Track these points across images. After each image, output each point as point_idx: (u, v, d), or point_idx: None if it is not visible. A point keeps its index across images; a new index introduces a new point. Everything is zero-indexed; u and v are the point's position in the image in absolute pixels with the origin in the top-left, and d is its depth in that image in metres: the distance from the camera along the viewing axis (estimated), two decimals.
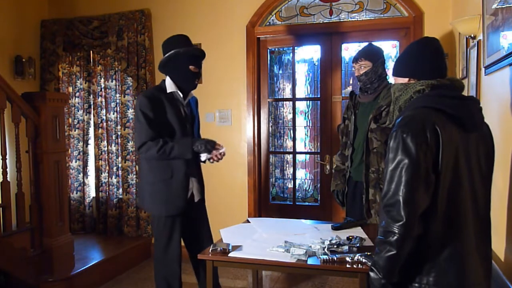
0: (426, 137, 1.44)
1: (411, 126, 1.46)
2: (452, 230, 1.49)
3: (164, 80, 2.76)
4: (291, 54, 4.24)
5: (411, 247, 1.46)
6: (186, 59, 2.66)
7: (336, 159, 3.13)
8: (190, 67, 2.67)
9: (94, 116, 4.65)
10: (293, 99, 4.25)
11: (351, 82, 4.16)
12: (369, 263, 1.93)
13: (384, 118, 2.68)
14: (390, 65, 3.81)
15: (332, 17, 3.98)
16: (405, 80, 1.64)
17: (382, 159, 2.70)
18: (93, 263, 3.71)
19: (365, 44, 3.91)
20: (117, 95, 4.49)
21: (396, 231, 1.43)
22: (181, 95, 2.74)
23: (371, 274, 1.52)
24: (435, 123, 1.46)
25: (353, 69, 2.93)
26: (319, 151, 4.19)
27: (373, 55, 2.82)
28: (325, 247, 2.17)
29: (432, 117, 1.47)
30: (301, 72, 4.29)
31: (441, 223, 1.48)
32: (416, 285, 1.50)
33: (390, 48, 3.97)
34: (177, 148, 2.59)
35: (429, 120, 1.46)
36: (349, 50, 4.11)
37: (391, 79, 2.72)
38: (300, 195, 4.33)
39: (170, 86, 2.71)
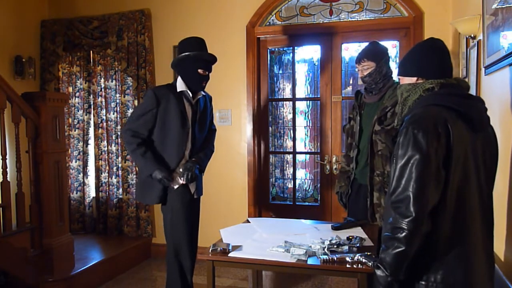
0: (438, 134, 1.44)
1: (422, 122, 1.46)
2: (461, 227, 1.49)
3: (176, 79, 2.89)
4: (291, 54, 4.24)
5: (419, 244, 1.45)
6: (196, 62, 2.79)
7: (341, 160, 3.07)
8: (199, 70, 2.80)
9: (94, 116, 4.65)
10: (293, 99, 4.25)
11: (351, 82, 4.16)
12: (369, 263, 1.93)
13: (389, 119, 2.62)
14: (391, 66, 3.81)
15: (332, 17, 3.98)
16: (413, 79, 1.64)
17: (387, 162, 2.63)
18: (93, 263, 3.71)
19: (366, 44, 3.92)
20: (117, 95, 4.49)
21: (405, 227, 1.42)
22: (190, 94, 2.85)
23: (377, 271, 1.51)
24: (447, 120, 1.46)
25: (356, 70, 2.85)
26: (319, 151, 4.19)
27: (376, 55, 2.73)
28: (325, 247, 2.17)
29: (443, 114, 1.48)
30: (301, 72, 4.29)
31: (450, 220, 1.47)
32: (423, 283, 1.50)
33: (390, 48, 3.96)
34: (143, 162, 2.78)
35: (441, 117, 1.47)
36: (349, 50, 4.11)
37: (396, 78, 2.70)
38: (300, 195, 4.33)
39: (180, 85, 2.84)
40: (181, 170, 2.80)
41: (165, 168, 2.76)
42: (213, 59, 2.85)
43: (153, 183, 2.80)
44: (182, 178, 2.77)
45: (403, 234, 1.43)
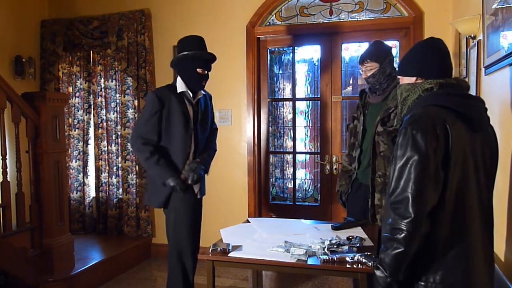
0: (437, 134, 1.44)
1: (421, 123, 1.46)
2: (460, 228, 1.48)
3: (175, 80, 2.87)
4: (291, 54, 4.24)
5: (419, 244, 1.45)
6: (194, 62, 2.76)
7: (343, 159, 3.03)
8: (198, 70, 2.78)
9: (94, 116, 4.65)
10: (293, 99, 4.25)
11: (351, 82, 4.16)
12: (369, 263, 1.93)
13: (392, 120, 2.59)
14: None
15: (332, 17, 3.98)
16: (412, 79, 1.64)
17: (389, 163, 2.58)
18: (93, 263, 3.71)
19: (366, 44, 3.91)
20: (117, 95, 4.49)
21: (404, 228, 1.42)
22: (191, 95, 2.84)
23: (377, 272, 1.51)
24: (445, 121, 1.46)
25: (360, 70, 2.82)
26: (319, 151, 4.19)
27: (379, 55, 2.69)
28: (325, 247, 2.17)
29: (442, 115, 1.47)
30: (301, 72, 4.29)
31: (449, 221, 1.47)
32: (422, 283, 1.50)
33: None
34: (157, 170, 2.75)
35: (439, 118, 1.46)
36: (349, 50, 4.11)
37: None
38: (300, 195, 4.33)
39: (180, 85, 2.82)
40: (185, 171, 2.79)
41: (178, 175, 2.75)
42: (212, 58, 2.83)
43: (159, 187, 2.78)
44: (188, 179, 2.77)
45: (402, 235, 1.43)
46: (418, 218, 1.41)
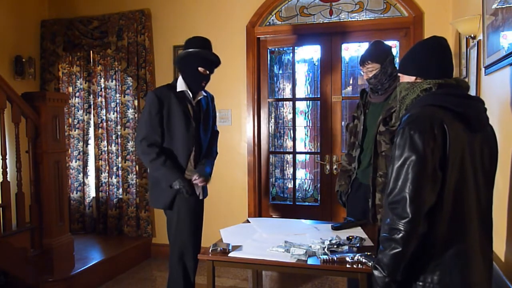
0: (434, 135, 1.44)
1: (418, 123, 1.46)
2: (458, 228, 1.48)
3: (177, 79, 2.86)
4: (291, 54, 4.25)
5: (416, 244, 1.45)
6: (196, 60, 2.75)
7: (343, 159, 3.01)
8: (199, 68, 2.75)
9: (94, 116, 4.65)
10: (293, 99, 4.25)
11: (351, 82, 4.16)
12: (369, 263, 1.93)
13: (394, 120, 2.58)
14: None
15: (332, 17, 3.98)
16: (412, 78, 1.64)
17: (390, 162, 2.60)
18: (93, 263, 3.72)
19: (366, 44, 3.91)
20: (117, 95, 4.49)
21: (402, 228, 1.43)
22: (191, 95, 2.82)
23: (375, 272, 1.52)
24: (443, 121, 1.46)
25: (361, 72, 2.81)
26: (319, 151, 4.19)
27: (380, 56, 2.67)
28: (325, 247, 2.17)
29: (439, 115, 1.47)
30: (301, 72, 4.29)
31: (447, 221, 1.47)
32: (420, 283, 1.50)
33: None
34: (163, 172, 2.73)
35: (437, 118, 1.46)
36: (349, 50, 4.11)
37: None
38: (300, 195, 4.33)
39: (180, 85, 2.81)
40: (189, 171, 2.78)
41: (184, 177, 2.74)
42: (215, 59, 2.80)
43: (164, 189, 2.76)
44: (195, 179, 2.76)
45: (400, 235, 1.43)
46: (415, 218, 1.42)
